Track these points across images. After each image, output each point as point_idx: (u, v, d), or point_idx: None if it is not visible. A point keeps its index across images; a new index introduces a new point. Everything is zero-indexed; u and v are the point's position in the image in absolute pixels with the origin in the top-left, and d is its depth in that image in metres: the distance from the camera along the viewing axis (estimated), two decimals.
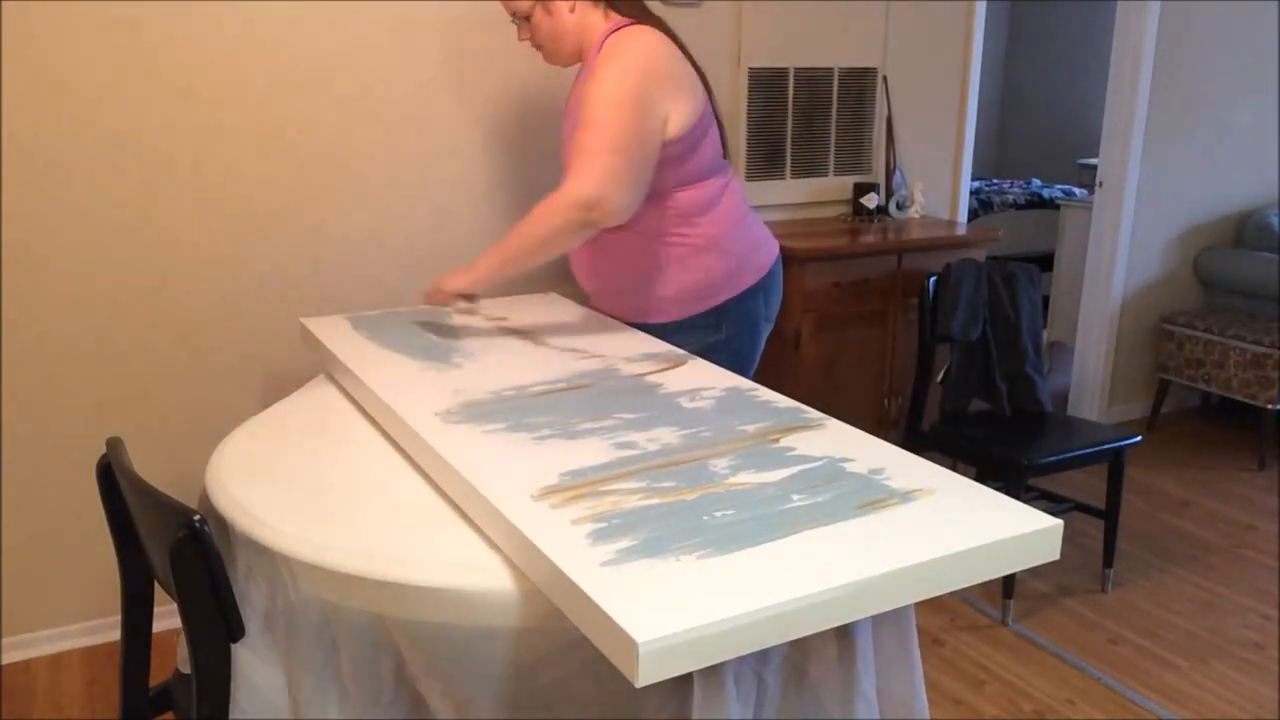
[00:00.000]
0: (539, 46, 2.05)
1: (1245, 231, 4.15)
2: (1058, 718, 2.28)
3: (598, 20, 2.00)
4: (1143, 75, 3.73)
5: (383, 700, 1.22)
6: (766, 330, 2.21)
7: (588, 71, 1.97)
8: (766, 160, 3.18)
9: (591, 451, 1.40)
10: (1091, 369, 4.05)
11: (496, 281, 1.94)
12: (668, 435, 1.46)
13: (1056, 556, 1.22)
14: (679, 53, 1.98)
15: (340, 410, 1.75)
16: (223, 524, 1.36)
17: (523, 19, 2.02)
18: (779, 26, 3.09)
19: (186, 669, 1.47)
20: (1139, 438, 2.78)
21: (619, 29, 1.95)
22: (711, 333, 2.11)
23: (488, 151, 2.75)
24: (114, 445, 1.45)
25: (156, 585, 1.53)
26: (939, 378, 2.94)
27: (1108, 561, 2.81)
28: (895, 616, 1.33)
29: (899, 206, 3.39)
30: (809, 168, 3.27)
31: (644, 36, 1.92)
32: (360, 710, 1.23)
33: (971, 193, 5.69)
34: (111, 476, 1.46)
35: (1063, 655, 2.52)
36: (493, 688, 1.19)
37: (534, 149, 2.80)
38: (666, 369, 1.77)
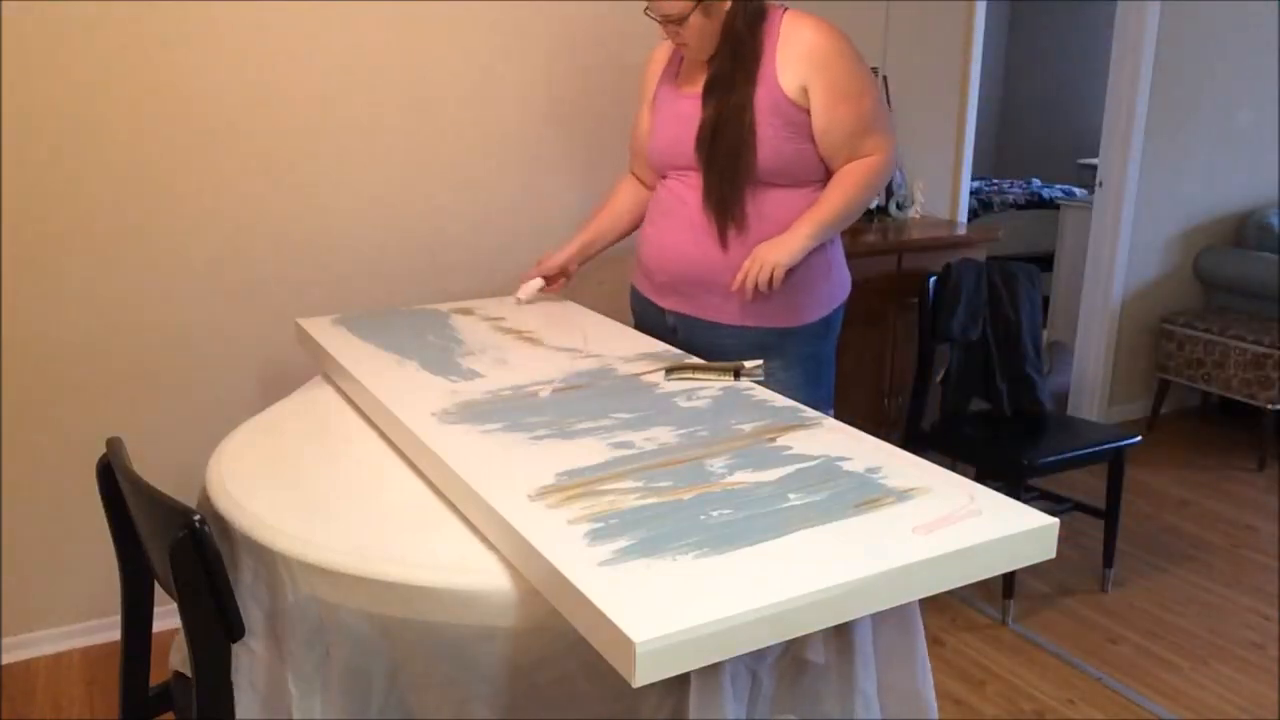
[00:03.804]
0: (684, 44, 1.99)
1: (1245, 231, 4.15)
2: (1058, 718, 2.28)
3: (736, 8, 1.94)
4: (1143, 75, 3.73)
5: (371, 708, 1.22)
6: None
7: (768, 54, 1.94)
8: None
9: (588, 451, 1.40)
10: (1091, 369, 4.05)
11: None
12: (664, 435, 1.46)
13: (1053, 555, 1.22)
14: None
15: (339, 410, 1.75)
16: (223, 524, 1.37)
17: (676, 21, 1.94)
18: None
19: (183, 669, 1.47)
20: (1139, 438, 2.78)
21: (783, 10, 1.98)
22: (822, 340, 2.11)
23: (487, 152, 2.75)
24: (114, 445, 1.45)
25: (156, 585, 1.53)
26: (939, 378, 2.94)
27: (1108, 561, 2.81)
28: (898, 614, 1.33)
29: (899, 206, 3.39)
30: None
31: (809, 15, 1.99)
32: (347, 715, 1.23)
33: (971, 193, 5.68)
34: (111, 476, 1.46)
35: (1063, 655, 2.52)
36: (491, 688, 1.20)
37: (530, 148, 2.80)
38: (663, 368, 1.77)
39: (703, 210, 2.00)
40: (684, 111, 2.02)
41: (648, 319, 2.19)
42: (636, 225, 2.25)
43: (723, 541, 1.14)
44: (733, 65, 1.94)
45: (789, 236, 1.95)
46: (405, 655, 1.20)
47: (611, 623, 0.98)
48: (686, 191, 2.03)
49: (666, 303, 2.12)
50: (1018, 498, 1.28)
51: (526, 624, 1.17)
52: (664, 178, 2.11)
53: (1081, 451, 2.72)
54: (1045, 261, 4.86)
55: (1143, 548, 3.08)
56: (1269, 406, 3.68)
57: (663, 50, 2.15)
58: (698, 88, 2.01)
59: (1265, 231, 4.07)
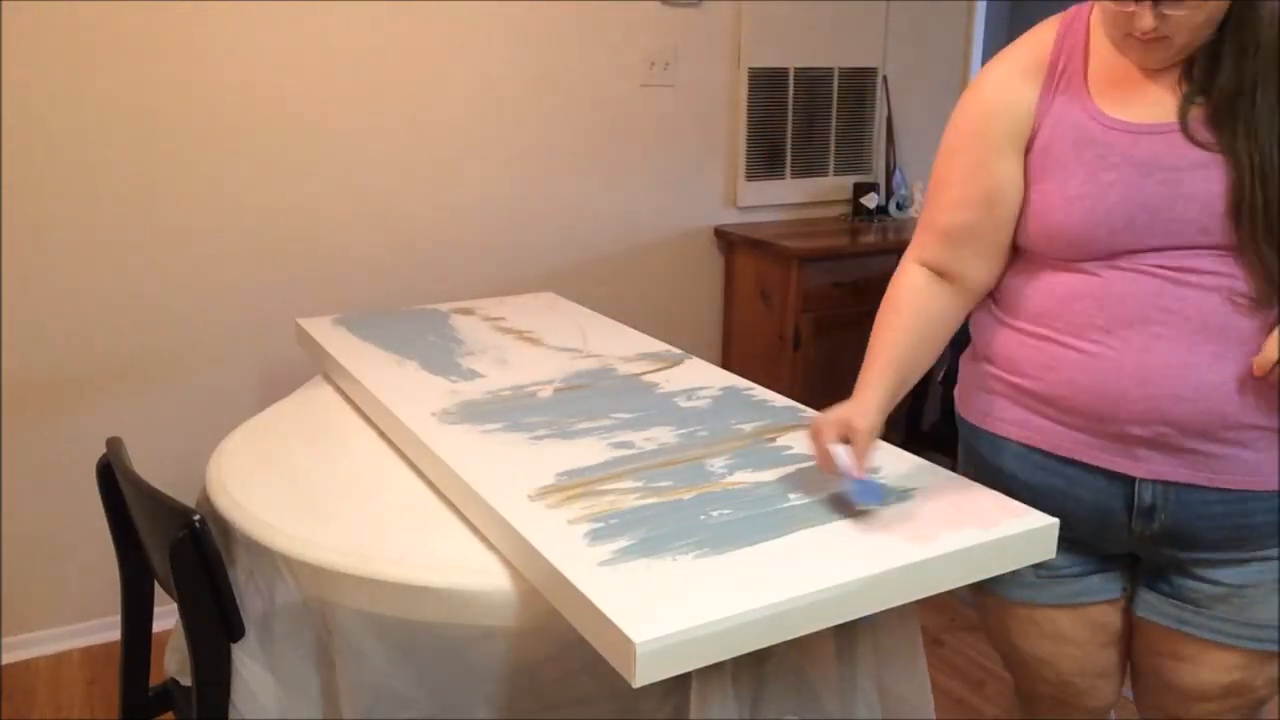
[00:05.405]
0: (1162, 37, 1.18)
1: None
2: None
3: None
4: None
5: (370, 708, 1.22)
6: None
7: None
8: (766, 160, 3.18)
9: (588, 451, 1.40)
10: None
11: None
12: (664, 434, 1.46)
13: (1052, 555, 1.23)
14: None
15: (339, 409, 1.75)
16: (223, 524, 1.37)
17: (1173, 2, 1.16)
18: (779, 26, 3.09)
19: (177, 676, 1.48)
20: None
21: None
22: None
23: (487, 152, 2.75)
24: (114, 445, 1.45)
25: (156, 585, 1.53)
26: (939, 377, 2.94)
27: None
28: (897, 615, 1.33)
29: (899, 206, 3.39)
30: (809, 168, 3.27)
31: None
32: (346, 715, 1.23)
33: None
34: (111, 476, 1.46)
35: None
36: (491, 688, 1.20)
37: (530, 148, 2.80)
38: (663, 369, 1.77)
39: (1250, 311, 1.20)
40: (1150, 155, 1.22)
41: (1056, 495, 1.33)
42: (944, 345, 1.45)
43: (723, 541, 1.14)
44: (1243, 66, 1.19)
45: None
46: (405, 655, 1.20)
47: (611, 623, 0.98)
48: (1187, 284, 1.21)
49: (1142, 467, 1.27)
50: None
51: (526, 624, 1.17)
52: (1075, 264, 1.28)
53: None
54: None
55: None
56: None
57: (1006, 69, 1.34)
58: (1159, 112, 1.23)
59: None
